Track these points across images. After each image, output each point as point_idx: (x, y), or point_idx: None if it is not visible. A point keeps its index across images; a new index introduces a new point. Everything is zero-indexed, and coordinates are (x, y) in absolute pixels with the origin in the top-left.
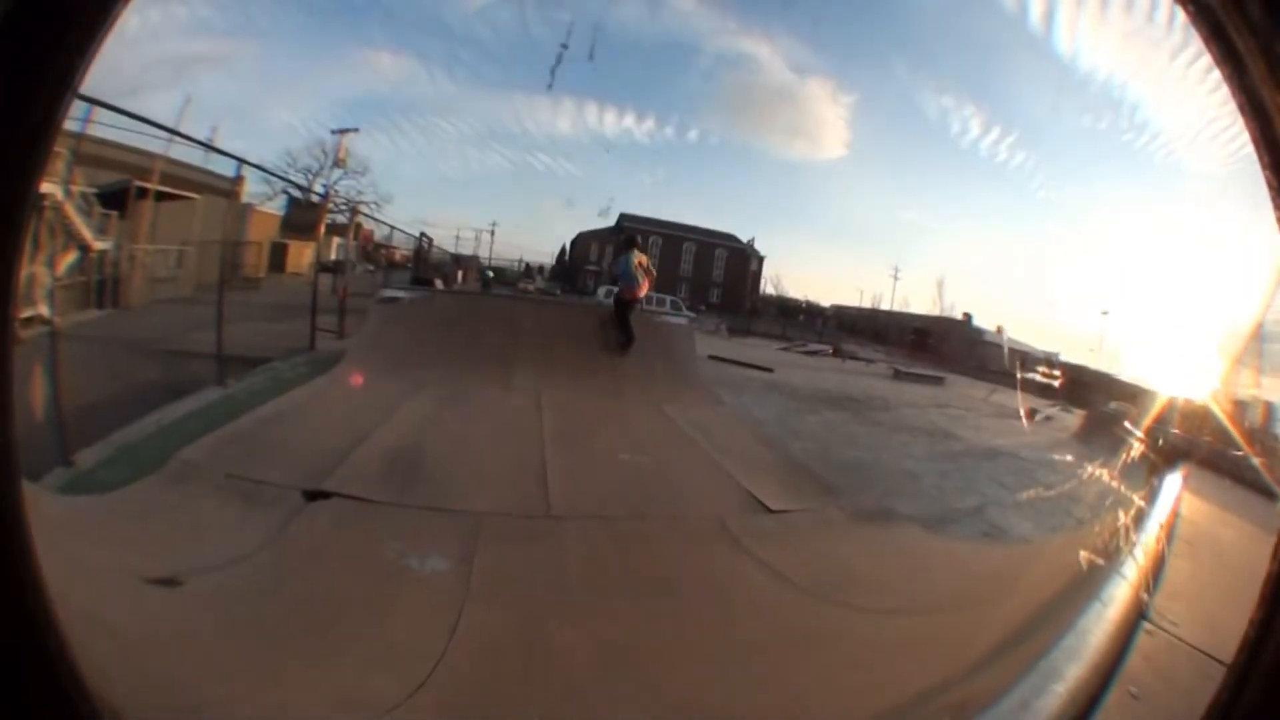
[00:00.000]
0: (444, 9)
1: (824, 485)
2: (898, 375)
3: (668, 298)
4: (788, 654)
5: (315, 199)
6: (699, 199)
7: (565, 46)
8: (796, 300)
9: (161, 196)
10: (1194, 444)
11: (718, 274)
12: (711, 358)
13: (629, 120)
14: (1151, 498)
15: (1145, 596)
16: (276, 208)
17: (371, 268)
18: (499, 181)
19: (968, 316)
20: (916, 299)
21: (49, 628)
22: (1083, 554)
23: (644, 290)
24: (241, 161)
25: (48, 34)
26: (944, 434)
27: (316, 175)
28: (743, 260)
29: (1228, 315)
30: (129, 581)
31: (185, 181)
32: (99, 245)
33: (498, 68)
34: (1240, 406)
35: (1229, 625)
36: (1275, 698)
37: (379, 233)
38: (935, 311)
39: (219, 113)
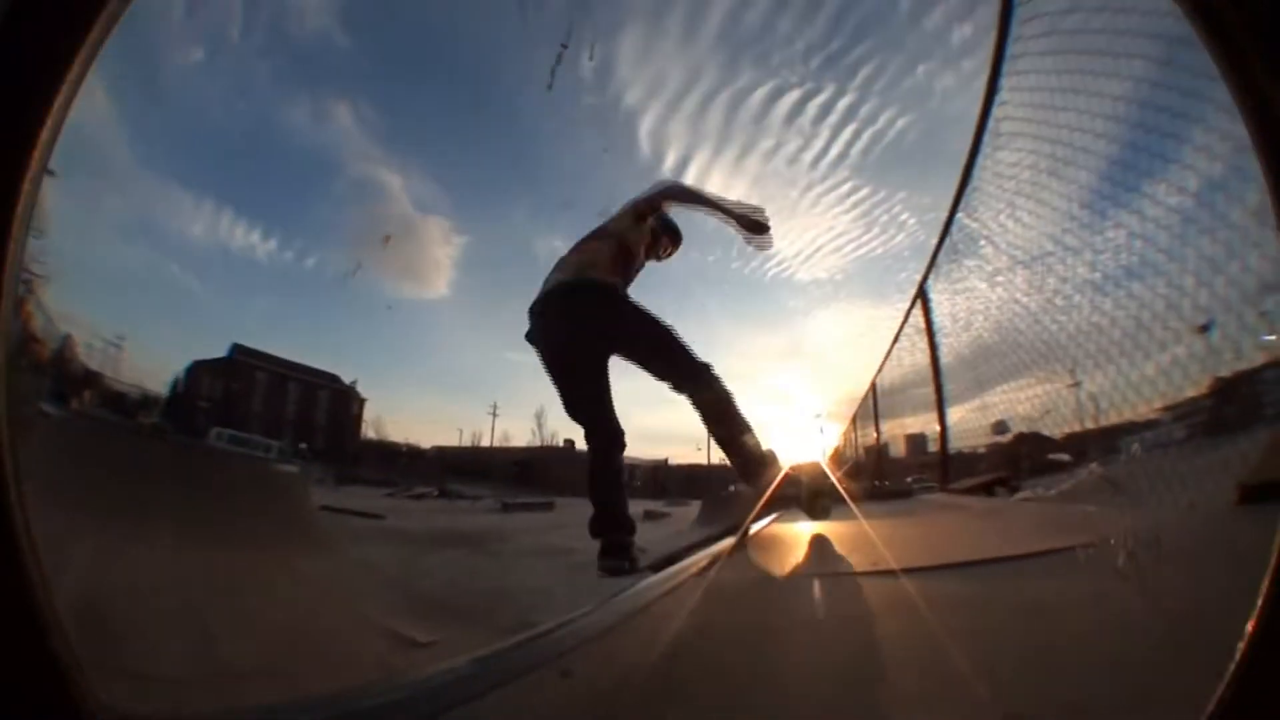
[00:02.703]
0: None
1: (461, 612)
2: (506, 508)
3: (274, 444)
4: None
5: None
6: (310, 333)
7: (565, 46)
8: (397, 444)
9: None
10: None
11: (321, 417)
12: (324, 508)
13: (254, 238)
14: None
15: None
16: None
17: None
18: (137, 279)
19: (569, 443)
20: (517, 432)
21: (50, 628)
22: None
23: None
24: None
25: (48, 34)
26: (564, 550)
27: None
28: (345, 402)
29: (843, 385)
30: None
31: None
32: None
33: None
34: (881, 446)
35: None
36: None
37: (39, 319)
38: (536, 442)
39: None
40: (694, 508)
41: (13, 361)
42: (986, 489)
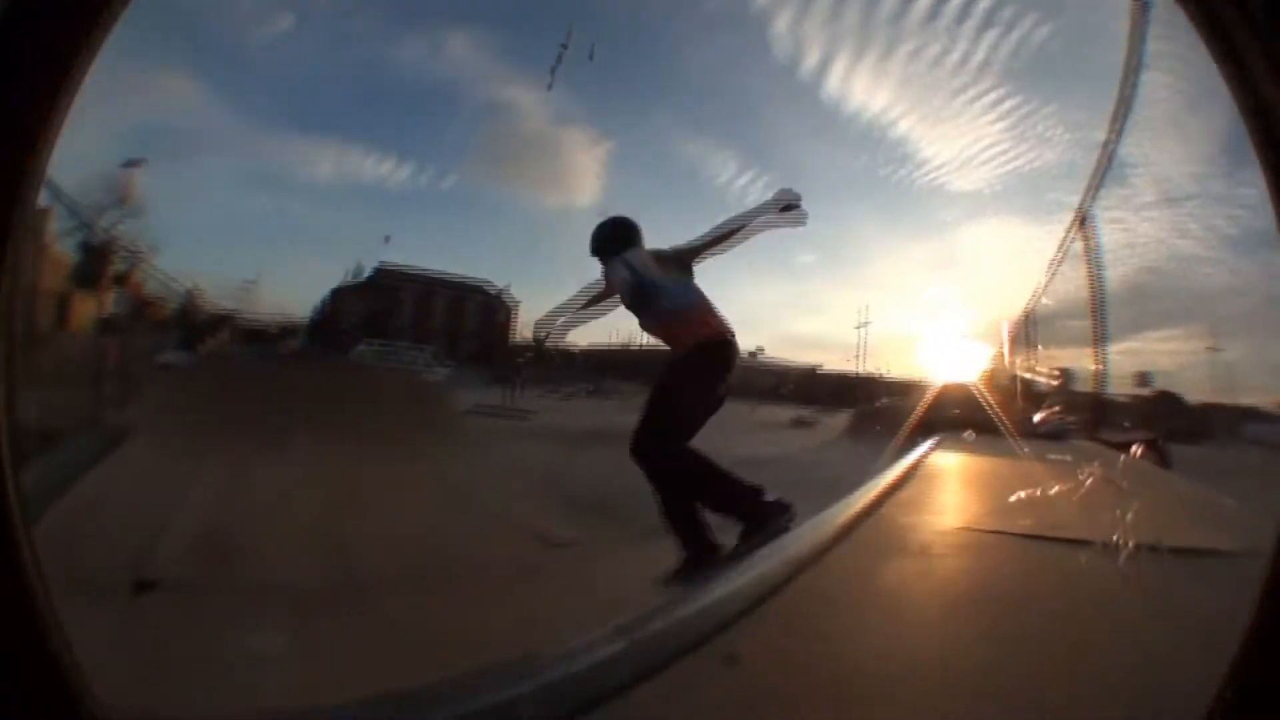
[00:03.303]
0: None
1: (597, 513)
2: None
3: (422, 350)
4: None
5: (102, 243)
6: (456, 247)
7: (565, 46)
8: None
9: None
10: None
11: (471, 324)
12: (473, 410)
13: (386, 167)
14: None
15: None
16: (68, 250)
17: (144, 326)
18: (266, 228)
19: None
20: None
21: (49, 629)
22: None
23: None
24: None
25: (48, 34)
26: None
27: (101, 214)
28: (491, 310)
29: (997, 308)
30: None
31: None
32: None
33: (275, 103)
34: (1030, 378)
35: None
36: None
37: (151, 285)
38: None
39: None
40: (842, 417)
41: (13, 361)
42: (1142, 448)
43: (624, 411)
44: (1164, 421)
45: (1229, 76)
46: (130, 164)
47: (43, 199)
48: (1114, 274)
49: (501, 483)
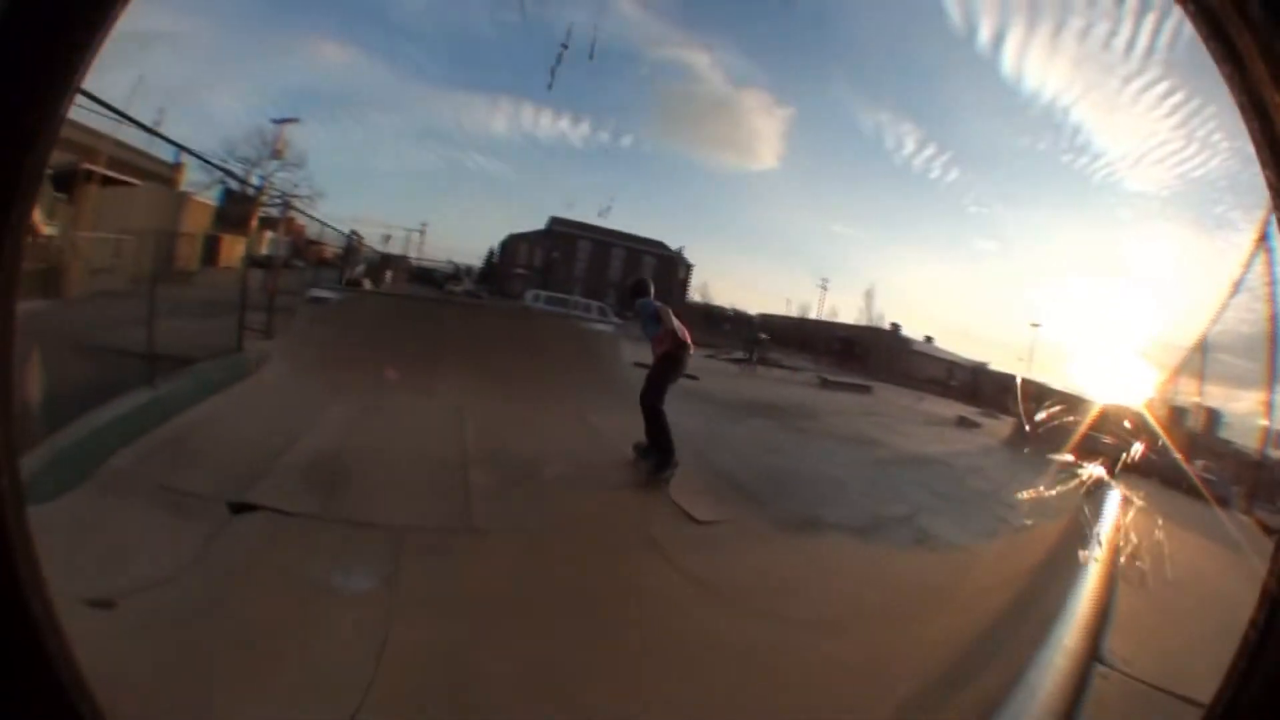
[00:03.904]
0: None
1: (750, 495)
2: (825, 384)
3: (594, 304)
4: (718, 670)
5: (250, 191)
6: (630, 205)
7: (565, 46)
8: (723, 308)
9: (106, 181)
10: (1134, 451)
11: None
12: (637, 365)
13: (564, 123)
14: (1093, 510)
15: (1096, 636)
16: (212, 198)
17: (302, 264)
18: (431, 180)
19: (895, 326)
20: (844, 309)
21: (45, 630)
22: (1023, 569)
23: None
24: (184, 149)
25: (48, 34)
26: (870, 441)
27: (254, 166)
28: (670, 267)
29: (1163, 328)
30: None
31: (129, 166)
32: (46, 230)
33: (439, 63)
34: (1180, 413)
35: (1187, 658)
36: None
37: (310, 229)
38: (863, 321)
39: (160, 95)
40: (1004, 423)
41: (12, 361)
42: None
43: (789, 385)
44: None
45: (1229, 76)
46: (282, 120)
47: (171, 156)
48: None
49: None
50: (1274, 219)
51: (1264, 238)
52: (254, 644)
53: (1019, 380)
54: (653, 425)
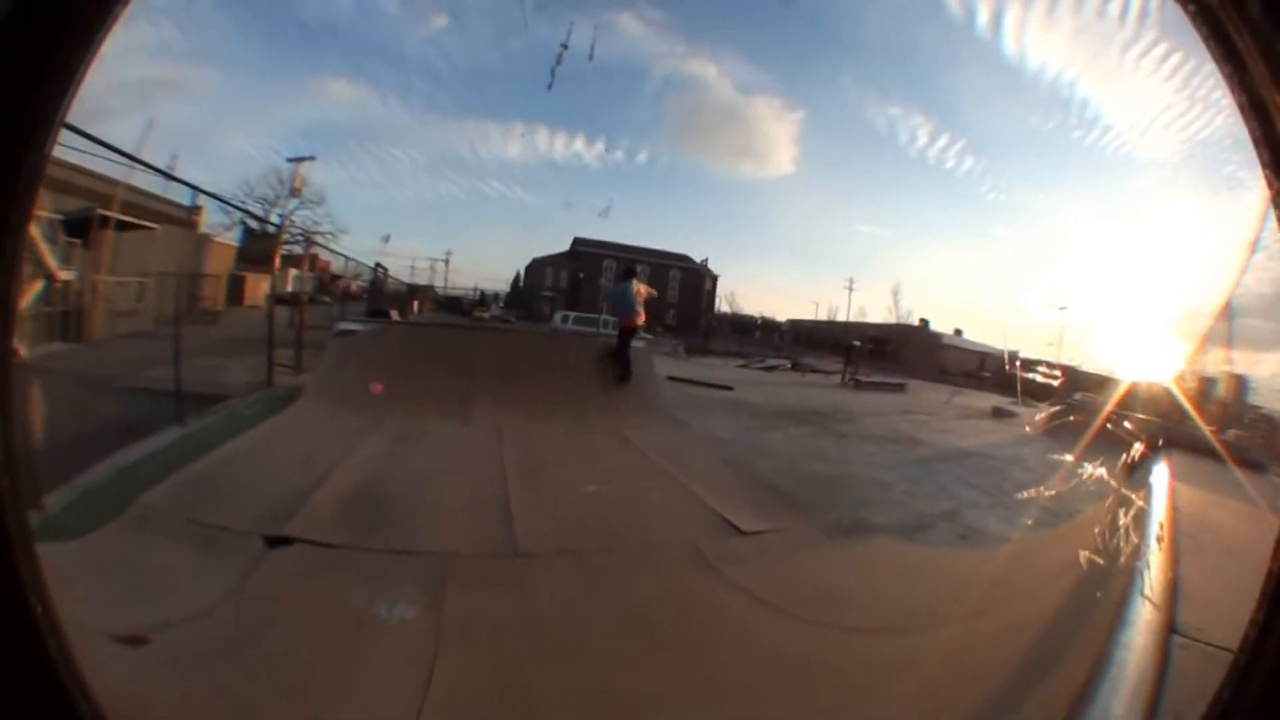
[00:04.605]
0: (399, 36)
1: (795, 502)
2: (859, 385)
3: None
4: (779, 685)
5: (271, 229)
6: (651, 221)
7: (565, 46)
8: (752, 316)
9: (123, 225)
10: (1167, 426)
11: (672, 295)
12: (671, 379)
13: (579, 144)
14: (1143, 491)
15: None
16: (233, 238)
17: (328, 299)
18: (452, 210)
19: (924, 322)
20: (873, 308)
21: (45, 632)
22: (1081, 554)
23: (642, 319)
24: (201, 191)
25: (48, 32)
26: (909, 439)
27: (273, 205)
28: (697, 280)
29: (1187, 297)
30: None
31: (146, 211)
32: (64, 275)
33: (450, 94)
34: (1209, 383)
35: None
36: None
37: (335, 264)
38: (892, 319)
39: (176, 140)
40: (1041, 410)
41: (13, 361)
42: None
43: (823, 388)
44: None
45: (1229, 76)
46: (298, 159)
47: (187, 199)
48: None
49: (695, 457)
50: (1274, 219)
51: (1261, 236)
52: (296, 677)
53: (1012, 354)
54: (621, 356)
